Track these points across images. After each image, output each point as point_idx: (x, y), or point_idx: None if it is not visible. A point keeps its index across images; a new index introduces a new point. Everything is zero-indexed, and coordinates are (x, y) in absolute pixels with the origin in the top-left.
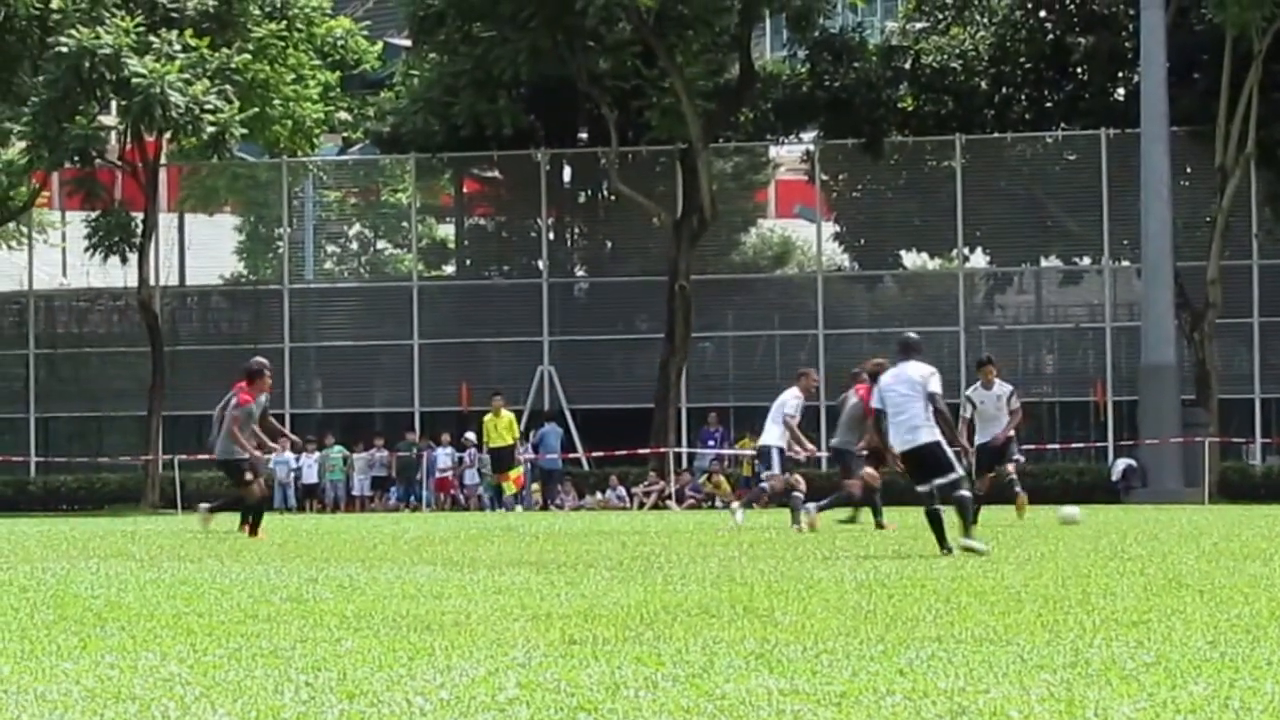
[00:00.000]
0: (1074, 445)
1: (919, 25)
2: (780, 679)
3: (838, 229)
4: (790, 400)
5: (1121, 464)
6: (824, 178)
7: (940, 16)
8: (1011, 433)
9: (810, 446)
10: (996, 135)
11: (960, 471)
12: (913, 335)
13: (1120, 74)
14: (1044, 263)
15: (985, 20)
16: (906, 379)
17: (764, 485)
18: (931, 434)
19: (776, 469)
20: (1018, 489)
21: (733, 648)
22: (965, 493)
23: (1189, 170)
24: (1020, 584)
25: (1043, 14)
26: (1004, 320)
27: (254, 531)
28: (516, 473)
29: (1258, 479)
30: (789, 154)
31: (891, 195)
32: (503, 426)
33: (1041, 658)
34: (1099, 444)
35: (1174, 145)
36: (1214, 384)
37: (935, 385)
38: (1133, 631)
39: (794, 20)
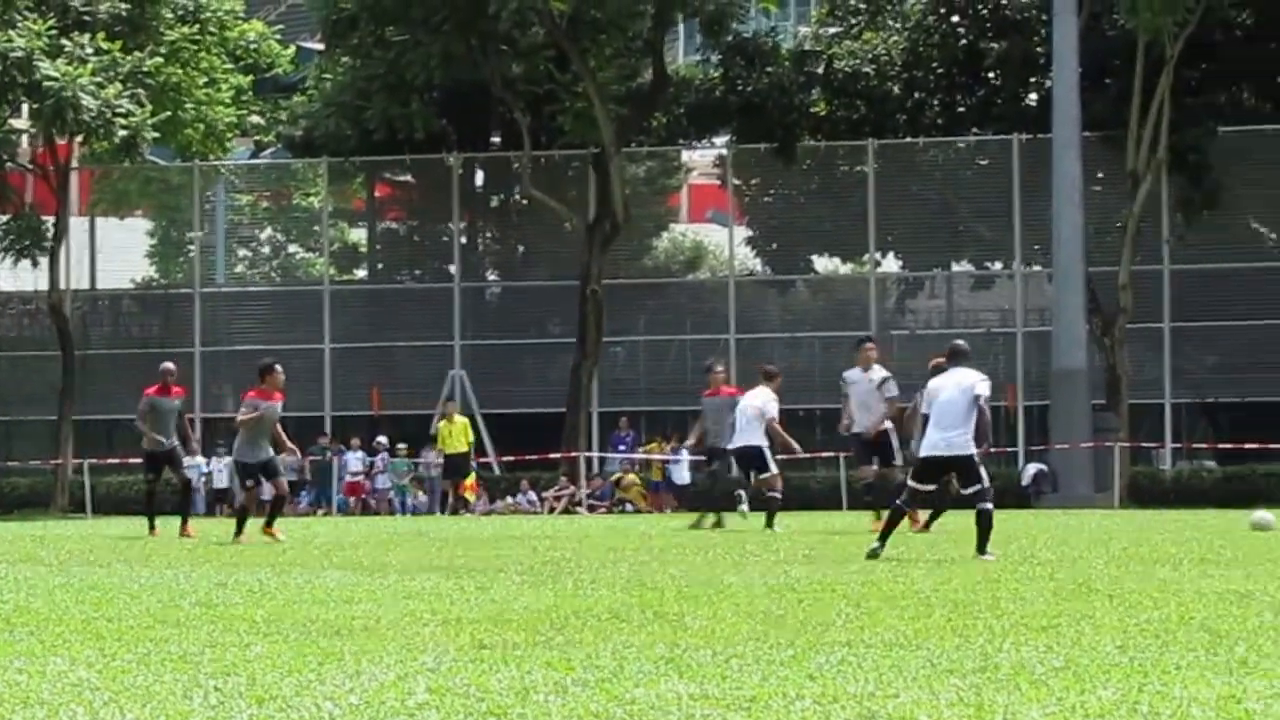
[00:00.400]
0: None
1: (832, 30)
2: (690, 684)
3: (750, 233)
4: (770, 402)
5: (1032, 469)
6: (736, 182)
7: (853, 21)
8: (887, 425)
9: (797, 446)
10: (909, 140)
11: (987, 484)
12: (961, 342)
13: (1032, 79)
14: (955, 267)
15: (898, 25)
16: (956, 385)
17: (776, 495)
18: (970, 446)
19: (774, 468)
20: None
21: (643, 653)
22: (988, 506)
23: (1101, 175)
24: (930, 589)
25: (955, 19)
26: (915, 325)
27: (239, 534)
28: (471, 479)
29: (1167, 484)
30: (701, 158)
31: (804, 200)
32: (457, 432)
33: (951, 662)
34: (1010, 449)
35: (1086, 150)
36: (1124, 389)
37: (984, 389)
38: (1042, 636)
39: (707, 25)
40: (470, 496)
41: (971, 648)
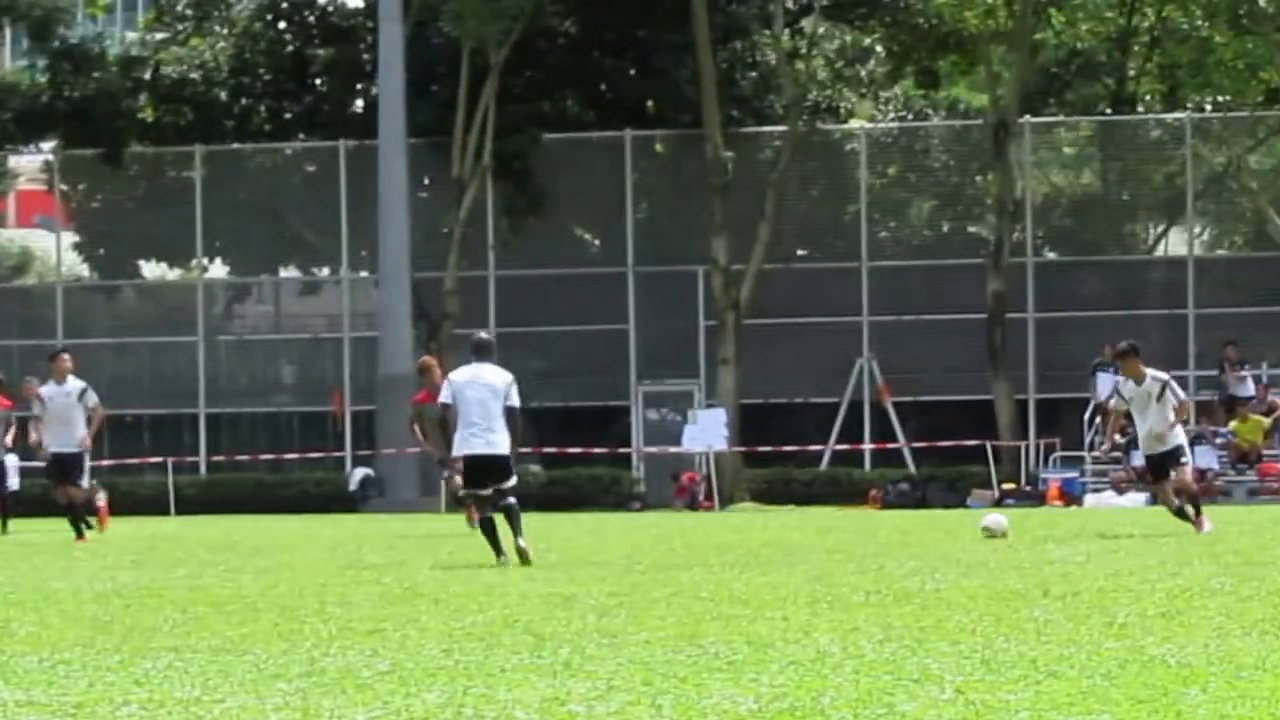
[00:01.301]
0: (313, 455)
1: (159, 36)
2: (17, 690)
3: (78, 239)
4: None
5: (359, 473)
6: (63, 188)
7: (180, 27)
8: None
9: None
10: (236, 146)
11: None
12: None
13: (359, 86)
14: (283, 273)
15: (225, 31)
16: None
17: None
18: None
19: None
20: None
21: None
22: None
23: (427, 181)
24: (258, 594)
25: (282, 25)
26: (244, 330)
27: None
28: None
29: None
30: (29, 163)
31: (132, 205)
32: None
33: (278, 667)
34: (338, 453)
35: (412, 156)
36: None
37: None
38: (369, 640)
39: (34, 29)
40: None
41: (298, 652)
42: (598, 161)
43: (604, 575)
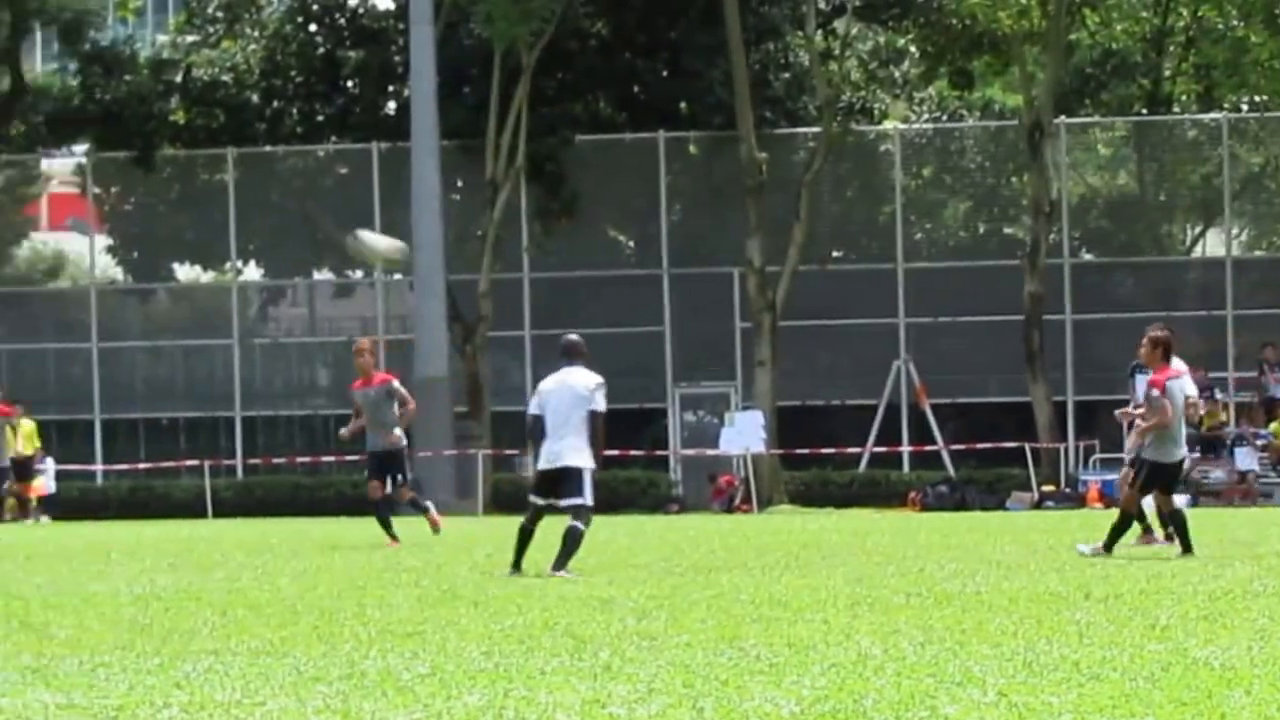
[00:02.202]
0: (350, 458)
1: (190, 38)
2: (58, 693)
3: (111, 242)
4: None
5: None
6: (96, 191)
7: (211, 30)
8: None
9: None
10: (269, 149)
11: None
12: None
13: (391, 88)
14: (317, 275)
15: (256, 34)
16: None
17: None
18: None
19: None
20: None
21: (8, 662)
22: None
23: (460, 184)
24: (296, 596)
25: (313, 28)
26: (278, 333)
27: None
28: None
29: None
30: (61, 166)
31: (164, 208)
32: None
33: (318, 669)
34: None
35: (445, 159)
36: (486, 397)
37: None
38: (409, 642)
39: (65, 32)
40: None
41: (338, 655)
42: (631, 163)
43: (643, 578)
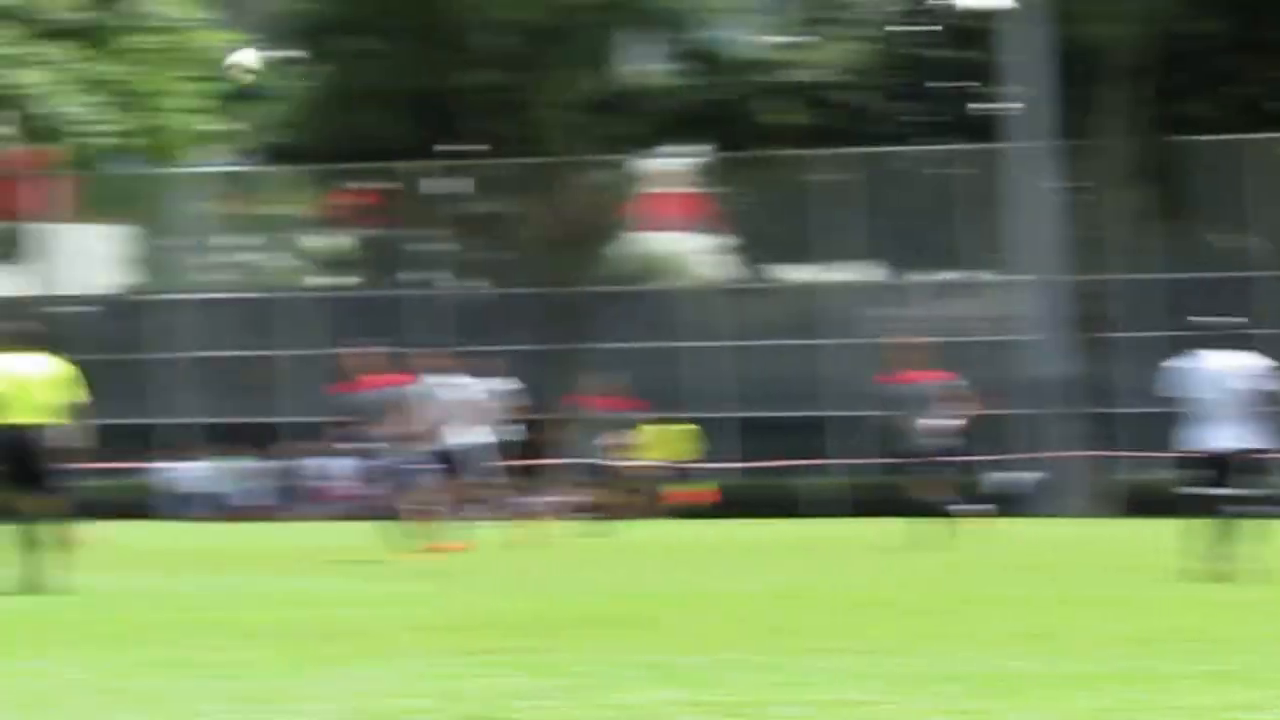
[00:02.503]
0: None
1: (792, 39)
2: (680, 690)
3: (718, 241)
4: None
5: (1027, 477)
6: (707, 190)
7: (815, 31)
8: None
9: None
10: (877, 150)
11: None
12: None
13: (989, 89)
14: (920, 276)
15: (858, 35)
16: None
17: None
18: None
19: None
20: None
21: (629, 658)
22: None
23: (1069, 185)
24: (893, 594)
25: (913, 29)
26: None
27: None
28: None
29: None
30: (668, 166)
31: (777, 208)
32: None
33: (947, 668)
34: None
35: (1055, 159)
36: (1111, 398)
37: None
38: (1031, 644)
39: (666, 31)
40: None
41: (962, 655)
42: (1253, 164)
43: None
